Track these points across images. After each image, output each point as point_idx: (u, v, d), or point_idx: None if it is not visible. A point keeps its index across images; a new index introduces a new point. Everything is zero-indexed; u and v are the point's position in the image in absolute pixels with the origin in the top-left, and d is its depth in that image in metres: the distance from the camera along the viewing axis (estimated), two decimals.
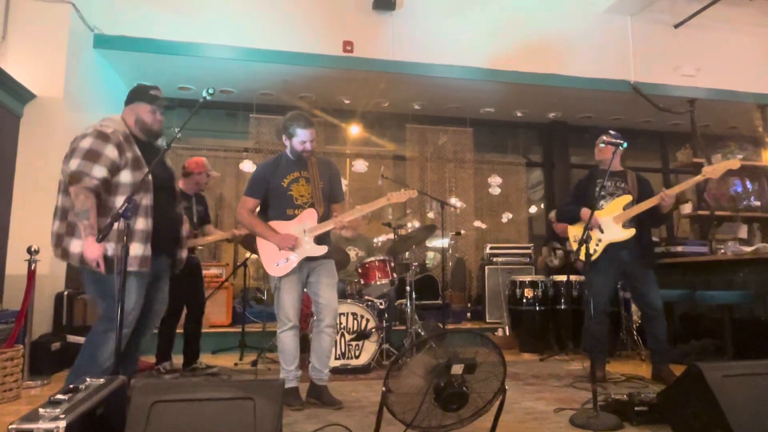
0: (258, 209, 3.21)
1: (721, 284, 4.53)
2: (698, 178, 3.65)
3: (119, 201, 2.56)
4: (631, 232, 3.64)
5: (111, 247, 2.52)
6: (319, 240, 3.10)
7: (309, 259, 3.09)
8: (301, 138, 3.07)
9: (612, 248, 3.65)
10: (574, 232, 3.88)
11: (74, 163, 2.53)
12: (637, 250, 3.70)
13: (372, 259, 4.57)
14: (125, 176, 2.59)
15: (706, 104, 6.52)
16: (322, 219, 3.13)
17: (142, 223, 2.58)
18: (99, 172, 2.53)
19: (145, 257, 2.58)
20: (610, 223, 3.66)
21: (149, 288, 2.71)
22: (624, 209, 3.68)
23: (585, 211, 3.74)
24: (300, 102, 6.61)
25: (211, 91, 2.47)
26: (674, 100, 6.38)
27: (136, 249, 2.55)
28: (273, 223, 3.10)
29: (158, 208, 2.64)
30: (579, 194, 3.92)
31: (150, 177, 2.59)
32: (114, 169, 2.57)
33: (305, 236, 3.06)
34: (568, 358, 4.74)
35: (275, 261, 3.06)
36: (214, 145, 7.15)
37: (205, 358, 4.74)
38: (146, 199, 2.60)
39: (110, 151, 2.56)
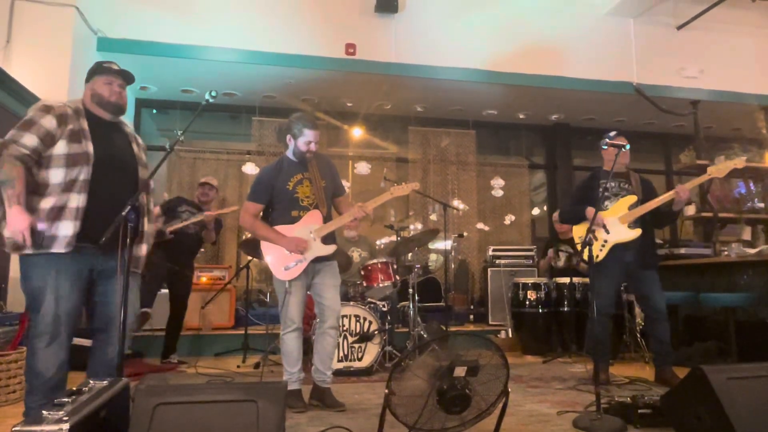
0: (260, 214, 3.21)
1: (725, 286, 4.52)
2: (703, 177, 3.64)
3: (52, 174, 2.33)
4: (637, 232, 3.62)
5: (41, 225, 2.28)
6: (326, 239, 3.11)
7: (313, 261, 3.09)
8: (308, 138, 3.07)
9: (617, 249, 3.64)
10: (580, 232, 3.85)
11: (8, 134, 2.34)
12: (641, 252, 3.68)
13: (374, 261, 4.57)
14: (60, 147, 2.35)
15: (710, 106, 6.51)
16: (327, 219, 3.14)
17: (75, 200, 2.32)
18: (29, 140, 2.31)
19: (72, 237, 2.29)
20: (616, 224, 3.65)
21: (97, 289, 2.45)
22: (629, 209, 3.67)
23: (590, 210, 3.72)
24: (303, 104, 6.63)
25: (213, 93, 2.43)
26: (677, 101, 6.37)
27: (67, 228, 2.28)
28: (278, 228, 3.09)
29: (109, 193, 2.35)
30: (582, 195, 3.89)
31: (90, 150, 2.37)
32: (47, 139, 2.34)
33: (312, 237, 3.07)
34: (572, 360, 4.73)
35: (284, 265, 3.05)
36: (217, 148, 7.17)
37: (207, 361, 4.77)
38: (83, 174, 2.34)
39: (47, 121, 2.36)
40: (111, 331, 2.41)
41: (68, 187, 2.34)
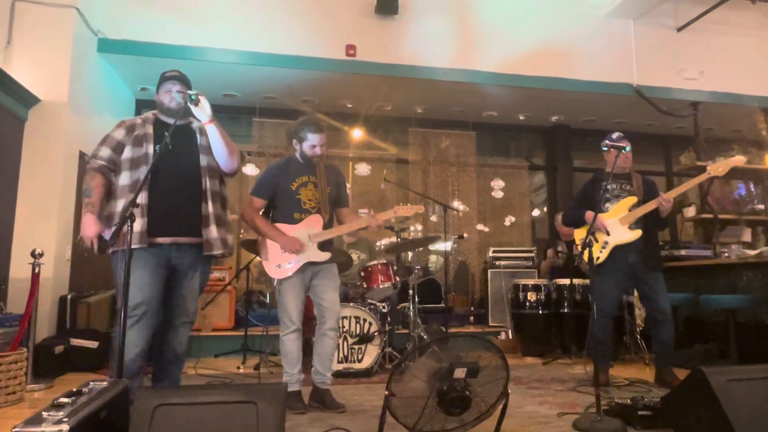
0: (262, 210, 3.22)
1: (725, 288, 4.52)
2: (703, 176, 3.60)
3: (122, 178, 2.60)
4: (637, 233, 3.61)
5: (107, 233, 2.53)
6: (323, 246, 3.11)
7: (312, 263, 3.09)
8: (312, 142, 3.10)
9: (619, 251, 3.63)
10: (581, 235, 3.85)
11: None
12: (645, 253, 3.67)
13: (375, 262, 4.57)
14: (126, 153, 2.63)
15: (710, 107, 6.51)
16: (327, 225, 3.14)
17: (140, 198, 2.49)
18: (103, 152, 2.63)
19: (143, 233, 2.52)
20: (617, 225, 3.64)
21: (171, 280, 2.65)
22: (630, 211, 3.67)
23: (589, 214, 3.72)
24: (303, 106, 6.63)
25: (193, 96, 2.49)
26: (677, 103, 6.37)
27: (136, 225, 2.44)
28: (278, 226, 3.10)
29: (172, 187, 2.57)
30: (584, 198, 3.89)
31: (150, 151, 2.60)
32: (118, 148, 2.64)
33: (310, 241, 3.07)
34: (572, 361, 4.73)
35: (276, 263, 3.06)
36: None
37: (207, 362, 4.76)
38: (144, 173, 2.54)
39: (118, 133, 2.66)
40: (176, 320, 2.68)
41: (134, 187, 2.55)
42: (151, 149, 2.61)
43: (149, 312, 2.52)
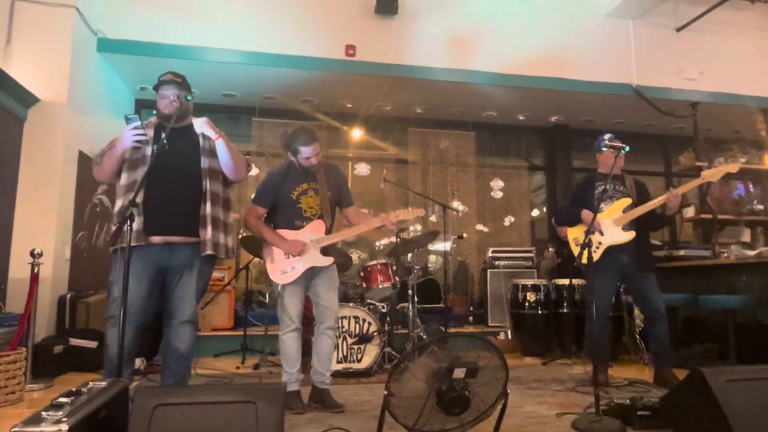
0: (264, 217, 3.22)
1: (724, 288, 4.52)
2: (698, 181, 3.63)
3: (122, 179, 2.70)
4: (631, 234, 3.63)
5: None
6: (326, 251, 3.12)
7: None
8: (305, 155, 3.08)
9: (611, 251, 3.64)
10: (574, 234, 3.88)
11: None
12: (638, 254, 3.68)
13: (374, 262, 4.57)
14: (126, 155, 2.71)
15: (709, 108, 6.51)
16: (329, 231, 3.15)
17: (138, 198, 2.55)
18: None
19: (140, 231, 2.59)
20: (610, 226, 3.66)
21: (166, 281, 2.69)
22: (624, 212, 3.68)
23: (586, 213, 3.73)
24: (302, 105, 6.63)
25: (189, 97, 2.62)
26: (677, 103, 6.37)
27: (134, 223, 2.51)
28: (281, 232, 3.12)
29: (168, 187, 2.64)
30: (578, 198, 3.92)
31: (148, 153, 2.67)
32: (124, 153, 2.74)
33: (312, 246, 3.08)
34: (571, 362, 4.73)
35: (281, 269, 3.07)
36: None
37: (206, 362, 4.77)
38: (140, 175, 2.63)
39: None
40: (173, 320, 2.69)
41: (130, 188, 2.64)
42: (149, 151, 2.68)
43: (131, 314, 2.52)
